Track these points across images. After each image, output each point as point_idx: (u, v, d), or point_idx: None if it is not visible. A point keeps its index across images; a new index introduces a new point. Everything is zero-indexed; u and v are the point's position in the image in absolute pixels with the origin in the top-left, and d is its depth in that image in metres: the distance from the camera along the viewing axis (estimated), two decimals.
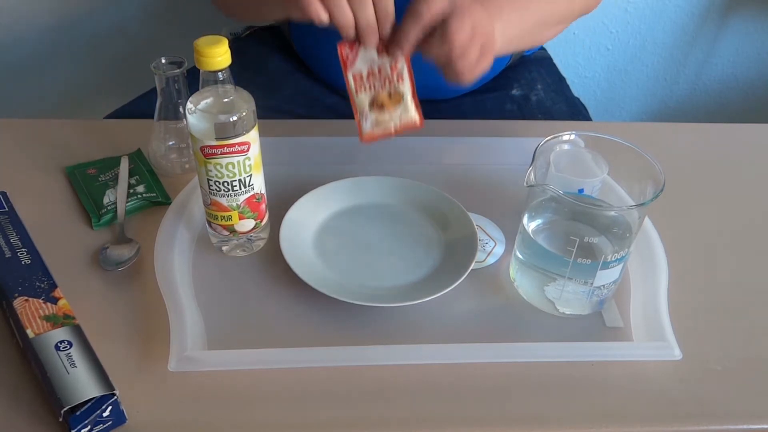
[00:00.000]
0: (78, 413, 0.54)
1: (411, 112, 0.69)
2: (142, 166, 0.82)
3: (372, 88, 0.68)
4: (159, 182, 0.81)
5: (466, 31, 0.65)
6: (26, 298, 0.62)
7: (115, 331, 0.65)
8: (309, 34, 1.02)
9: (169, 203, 0.77)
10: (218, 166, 0.66)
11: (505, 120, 0.96)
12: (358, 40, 0.67)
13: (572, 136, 0.69)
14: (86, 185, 0.79)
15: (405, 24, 0.65)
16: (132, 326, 0.65)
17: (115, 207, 0.76)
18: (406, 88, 0.69)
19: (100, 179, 0.80)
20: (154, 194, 0.78)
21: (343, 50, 0.68)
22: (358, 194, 0.80)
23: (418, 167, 0.85)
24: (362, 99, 0.68)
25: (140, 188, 0.79)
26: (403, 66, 0.69)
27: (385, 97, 0.69)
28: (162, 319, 0.64)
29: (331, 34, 1.01)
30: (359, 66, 0.67)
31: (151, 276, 0.69)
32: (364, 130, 0.69)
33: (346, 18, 0.64)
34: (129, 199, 0.77)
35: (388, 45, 0.67)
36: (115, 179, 0.80)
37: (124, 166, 0.81)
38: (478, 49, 0.68)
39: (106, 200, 0.77)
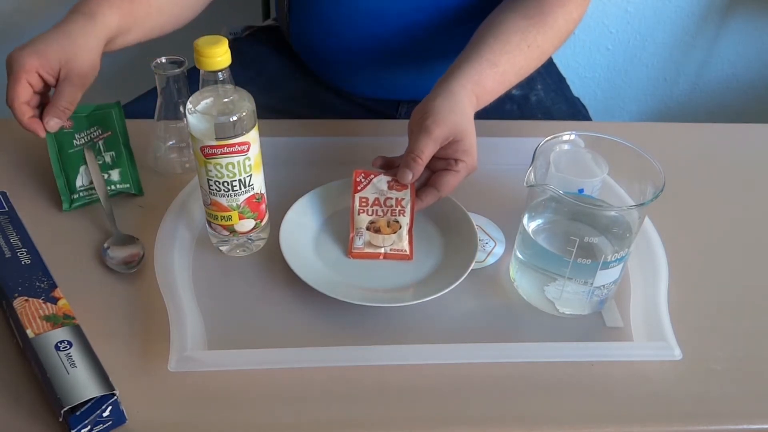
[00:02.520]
0: (78, 413, 0.54)
1: (404, 243, 0.73)
2: (119, 137, 0.80)
3: (374, 213, 0.73)
4: (134, 164, 0.80)
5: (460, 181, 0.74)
6: (26, 298, 0.62)
7: (115, 331, 0.65)
8: (309, 35, 1.02)
9: (142, 194, 0.78)
10: (218, 166, 0.66)
11: (505, 120, 0.96)
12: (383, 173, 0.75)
13: (572, 136, 0.69)
14: (61, 147, 0.78)
15: (416, 169, 0.72)
16: (132, 326, 0.65)
17: (89, 193, 0.77)
18: (405, 221, 0.73)
19: (75, 143, 0.78)
20: (128, 185, 0.78)
21: (358, 176, 0.74)
22: None
23: None
24: (362, 219, 0.73)
25: (114, 175, 0.78)
26: (408, 203, 0.73)
27: (383, 223, 0.73)
28: (162, 319, 0.64)
29: (330, 35, 1.01)
30: (367, 193, 0.74)
31: (151, 276, 0.69)
32: (354, 246, 0.73)
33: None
34: (94, 188, 0.77)
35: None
36: (95, 149, 0.78)
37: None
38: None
39: (79, 183, 0.77)
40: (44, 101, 0.74)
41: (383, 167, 0.76)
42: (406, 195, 0.73)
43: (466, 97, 0.74)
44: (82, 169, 0.77)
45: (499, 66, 0.78)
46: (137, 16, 0.82)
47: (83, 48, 0.74)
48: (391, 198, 0.73)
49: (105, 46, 0.78)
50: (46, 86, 0.74)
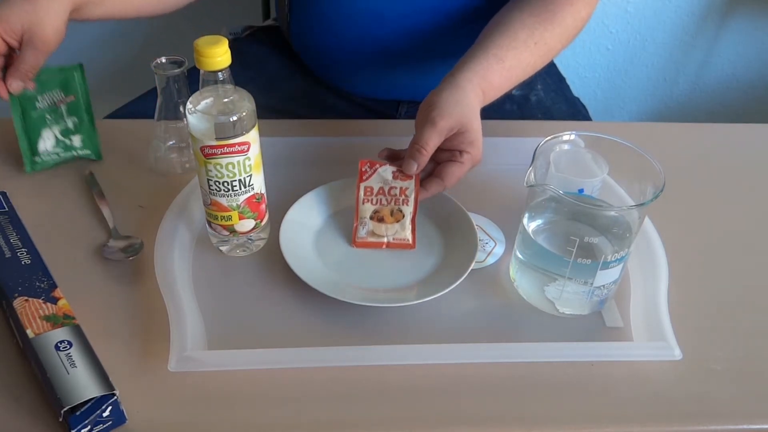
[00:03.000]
0: (78, 413, 0.54)
1: (407, 232, 0.73)
2: (81, 102, 0.81)
3: (378, 202, 0.74)
4: (95, 129, 0.81)
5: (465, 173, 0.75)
6: (26, 298, 0.62)
7: (115, 331, 0.65)
8: (309, 35, 1.02)
9: (101, 159, 0.80)
10: (218, 166, 0.66)
11: (505, 120, 0.96)
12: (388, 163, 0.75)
13: (572, 136, 0.69)
14: (24, 110, 0.79)
15: (422, 159, 0.72)
16: (132, 326, 0.65)
17: (51, 158, 0.80)
18: (408, 210, 0.74)
19: (38, 105, 0.79)
20: (89, 151, 0.80)
21: (363, 166, 0.75)
22: None
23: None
24: (366, 208, 0.74)
25: (76, 141, 0.80)
26: (411, 192, 0.74)
27: (387, 212, 0.74)
28: (162, 318, 0.64)
29: (331, 35, 1.01)
30: (372, 183, 0.74)
31: (151, 276, 0.69)
32: (358, 236, 0.74)
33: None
34: (59, 150, 0.79)
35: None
36: (55, 113, 0.79)
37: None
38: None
39: (42, 146, 0.78)
40: (8, 64, 0.76)
41: (389, 159, 0.76)
42: (410, 185, 0.73)
43: (472, 90, 0.75)
44: (44, 132, 0.79)
45: (505, 62, 0.78)
46: None
47: (47, 13, 0.76)
48: (396, 188, 0.74)
49: (72, 13, 0.79)
50: (10, 50, 0.76)
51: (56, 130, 0.79)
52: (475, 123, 0.73)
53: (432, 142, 0.71)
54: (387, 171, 0.74)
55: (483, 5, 0.95)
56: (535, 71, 0.83)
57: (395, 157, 0.76)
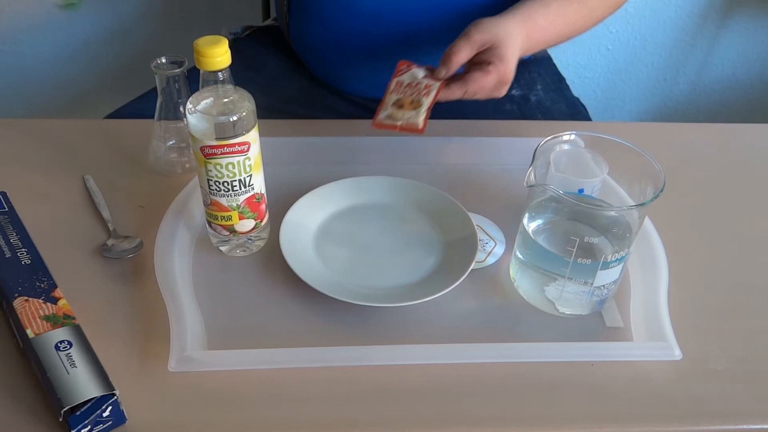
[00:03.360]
0: (78, 413, 0.54)
1: (420, 118, 0.77)
2: None
3: (403, 93, 0.80)
4: None
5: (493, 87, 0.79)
6: (26, 298, 0.62)
7: (115, 331, 0.65)
8: (309, 34, 1.02)
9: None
10: (218, 166, 0.66)
11: (505, 120, 0.96)
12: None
13: (572, 136, 0.69)
14: None
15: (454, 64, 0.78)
16: (132, 326, 0.65)
17: None
18: (427, 101, 0.78)
19: None
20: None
21: (402, 66, 0.82)
22: (358, 194, 0.80)
23: (418, 167, 0.85)
24: (391, 97, 0.80)
25: None
26: (435, 87, 0.79)
27: (407, 101, 0.79)
28: (162, 319, 0.64)
29: (331, 35, 1.01)
30: (404, 78, 0.81)
31: (151, 276, 0.69)
32: (378, 118, 0.79)
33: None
34: None
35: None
36: None
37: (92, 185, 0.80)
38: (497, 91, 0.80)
39: None
40: None
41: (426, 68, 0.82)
42: (435, 85, 0.79)
43: (515, 22, 0.80)
44: None
45: (550, 8, 0.83)
46: None
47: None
48: (422, 84, 0.79)
49: None
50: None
51: None
52: (509, 42, 0.77)
53: (463, 51, 0.76)
54: (420, 71, 0.81)
55: (483, 4, 0.95)
56: (575, 32, 0.87)
57: (430, 68, 0.81)
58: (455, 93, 0.78)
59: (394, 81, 0.81)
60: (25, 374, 0.60)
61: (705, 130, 1.01)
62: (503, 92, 0.82)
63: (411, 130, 0.77)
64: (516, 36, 0.79)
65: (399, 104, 0.78)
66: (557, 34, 0.85)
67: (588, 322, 0.68)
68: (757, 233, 0.80)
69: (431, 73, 0.80)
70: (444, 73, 0.77)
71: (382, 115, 0.78)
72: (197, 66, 0.63)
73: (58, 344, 0.58)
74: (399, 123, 0.77)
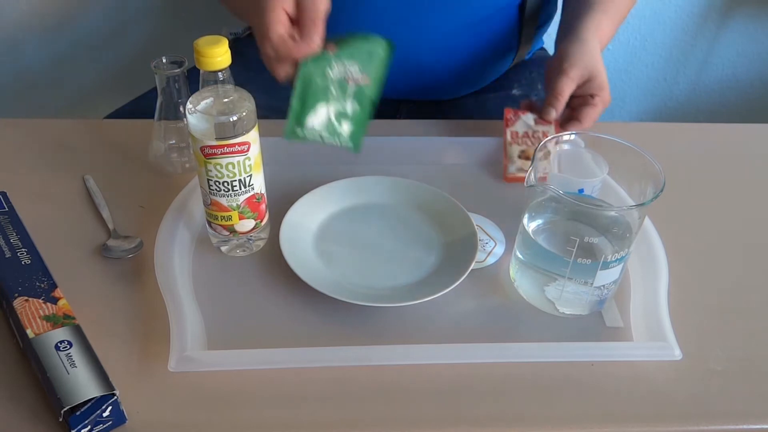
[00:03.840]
0: (78, 413, 0.54)
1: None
2: (372, 87, 0.70)
3: (524, 144, 0.85)
4: (367, 123, 0.70)
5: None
6: (26, 298, 0.62)
7: (115, 331, 0.65)
8: None
9: (358, 152, 0.70)
10: (218, 166, 0.66)
11: None
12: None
13: (572, 136, 0.69)
14: (312, 73, 0.68)
15: (558, 105, 0.83)
16: (132, 326, 0.65)
17: (312, 135, 0.68)
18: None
19: (329, 72, 0.68)
20: (352, 145, 0.69)
21: (509, 114, 0.86)
22: (358, 194, 0.80)
23: (418, 167, 0.85)
24: (514, 149, 0.84)
25: (345, 128, 0.69)
26: (552, 134, 0.83)
27: (531, 152, 0.83)
28: (162, 318, 0.64)
29: (329, 33, 1.01)
30: (517, 128, 0.85)
31: (151, 276, 0.69)
32: (508, 172, 0.84)
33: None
34: (324, 132, 0.68)
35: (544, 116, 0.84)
36: (342, 90, 0.69)
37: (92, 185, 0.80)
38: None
39: (310, 121, 0.68)
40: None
41: (529, 109, 0.86)
42: (550, 129, 0.84)
43: (593, 41, 0.86)
44: (319, 107, 0.68)
45: (608, 12, 0.90)
46: None
47: None
48: (538, 131, 0.85)
49: None
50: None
51: (332, 110, 0.69)
52: (601, 69, 0.84)
53: (567, 89, 0.82)
54: (529, 118, 0.85)
55: (489, 4, 0.95)
56: (626, 14, 0.96)
57: (533, 109, 0.86)
58: (573, 129, 0.83)
59: (508, 132, 0.85)
60: (25, 374, 0.60)
61: (705, 130, 1.01)
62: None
63: (545, 179, 0.78)
64: (599, 56, 0.86)
65: (525, 155, 0.83)
66: (617, 27, 0.93)
67: (588, 322, 0.68)
68: (757, 233, 0.80)
69: (539, 115, 0.85)
70: (553, 114, 0.83)
71: (512, 168, 0.83)
72: (197, 66, 0.63)
73: (58, 344, 0.58)
74: None
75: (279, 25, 0.67)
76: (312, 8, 0.67)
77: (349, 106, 0.70)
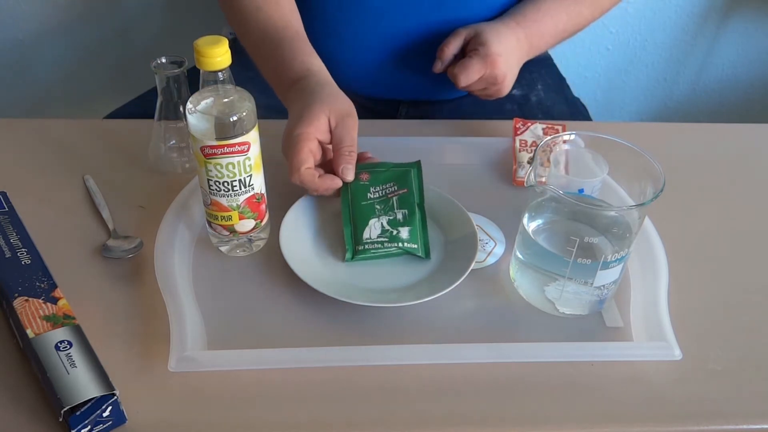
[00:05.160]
0: (78, 413, 0.54)
1: None
2: (414, 196, 0.75)
3: (532, 151, 0.85)
4: (425, 226, 0.74)
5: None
6: (26, 298, 0.62)
7: (115, 331, 0.65)
8: (311, 34, 1.02)
9: (428, 258, 0.72)
10: (218, 166, 0.66)
11: (505, 120, 0.96)
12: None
13: (572, 136, 0.69)
14: (354, 198, 0.74)
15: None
16: (132, 326, 0.65)
17: (374, 247, 0.71)
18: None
19: (369, 196, 0.75)
20: (416, 246, 0.72)
21: (517, 123, 0.89)
22: None
23: None
24: (522, 155, 0.85)
25: (404, 233, 0.72)
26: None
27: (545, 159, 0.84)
28: (162, 319, 0.64)
29: (332, 35, 1.01)
30: (526, 137, 0.87)
31: (151, 276, 0.69)
32: (518, 175, 0.84)
33: None
34: (384, 239, 0.72)
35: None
36: (386, 204, 0.74)
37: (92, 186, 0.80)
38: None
39: (366, 234, 0.72)
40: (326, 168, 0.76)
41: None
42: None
43: (503, 22, 0.90)
44: (371, 221, 0.73)
45: (541, 6, 0.92)
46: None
47: (330, 91, 0.78)
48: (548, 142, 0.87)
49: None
50: (325, 155, 0.76)
51: (384, 220, 0.73)
52: (491, 32, 0.87)
53: (451, 44, 0.89)
54: (537, 128, 0.88)
55: (486, 4, 0.95)
56: (581, 25, 0.97)
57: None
58: (457, 85, 0.86)
59: (517, 140, 0.86)
60: (25, 374, 0.60)
61: (705, 130, 1.01)
62: (499, 87, 0.89)
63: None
64: (502, 29, 0.88)
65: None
66: (562, 29, 0.93)
67: (588, 322, 0.68)
68: (757, 233, 0.80)
69: (550, 126, 0.88)
70: (439, 65, 0.87)
71: (521, 172, 0.84)
72: (197, 66, 0.63)
73: (58, 344, 0.58)
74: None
75: (306, 162, 0.71)
76: (348, 141, 0.73)
77: (399, 214, 0.74)
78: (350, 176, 0.74)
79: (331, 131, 0.74)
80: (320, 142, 0.73)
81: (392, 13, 0.94)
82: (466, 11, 0.94)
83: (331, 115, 0.73)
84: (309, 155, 0.72)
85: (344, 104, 0.76)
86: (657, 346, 0.64)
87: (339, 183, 0.74)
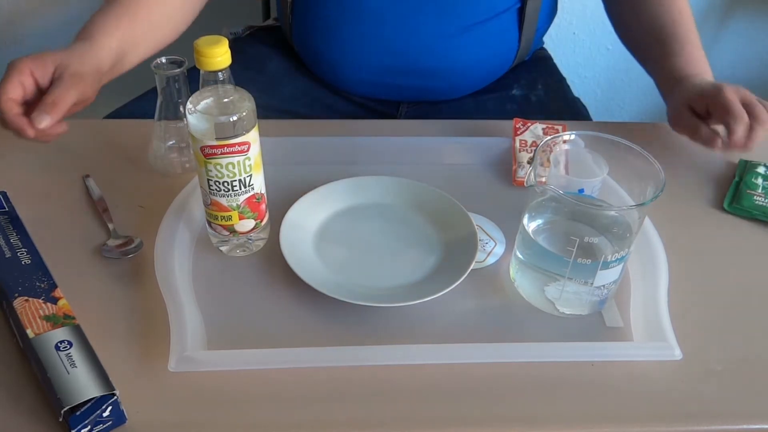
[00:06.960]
0: (78, 413, 0.54)
1: None
2: None
3: (532, 152, 0.85)
4: None
5: None
6: (26, 298, 0.62)
7: (115, 331, 0.65)
8: (310, 35, 1.02)
9: None
10: (218, 166, 0.66)
11: (505, 120, 0.96)
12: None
13: (572, 136, 0.69)
14: None
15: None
16: (132, 326, 0.65)
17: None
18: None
19: None
20: None
21: (517, 123, 0.89)
22: (358, 194, 0.80)
23: (418, 167, 0.85)
24: (522, 156, 0.85)
25: None
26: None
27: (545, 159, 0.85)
28: (162, 318, 0.64)
29: (333, 35, 1.01)
30: (526, 137, 0.87)
31: (151, 276, 0.69)
32: (517, 176, 0.84)
33: None
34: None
35: None
36: None
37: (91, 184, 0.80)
38: None
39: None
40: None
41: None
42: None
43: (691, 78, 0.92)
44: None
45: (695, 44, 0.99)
46: (136, 36, 0.84)
47: (86, 53, 0.76)
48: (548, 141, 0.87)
49: (110, 70, 0.80)
50: (41, 93, 0.73)
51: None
52: (700, 84, 0.89)
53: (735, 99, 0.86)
54: (537, 128, 0.88)
55: (483, 8, 0.95)
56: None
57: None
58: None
59: (517, 140, 0.86)
60: (25, 374, 0.60)
61: None
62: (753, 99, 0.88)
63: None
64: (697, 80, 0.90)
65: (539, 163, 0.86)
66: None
67: (588, 322, 0.68)
68: (757, 233, 0.79)
69: (549, 126, 0.87)
70: (719, 143, 0.81)
71: (521, 173, 0.84)
72: (197, 66, 0.63)
73: (58, 344, 0.58)
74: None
75: (10, 92, 0.70)
76: (57, 93, 0.70)
77: None
78: (42, 124, 0.69)
79: (52, 80, 0.73)
80: (39, 87, 0.72)
81: (393, 17, 0.94)
82: (467, 15, 0.95)
83: (60, 63, 0.73)
84: (18, 87, 0.70)
85: (83, 66, 0.75)
86: (657, 346, 0.64)
87: (29, 131, 0.70)
